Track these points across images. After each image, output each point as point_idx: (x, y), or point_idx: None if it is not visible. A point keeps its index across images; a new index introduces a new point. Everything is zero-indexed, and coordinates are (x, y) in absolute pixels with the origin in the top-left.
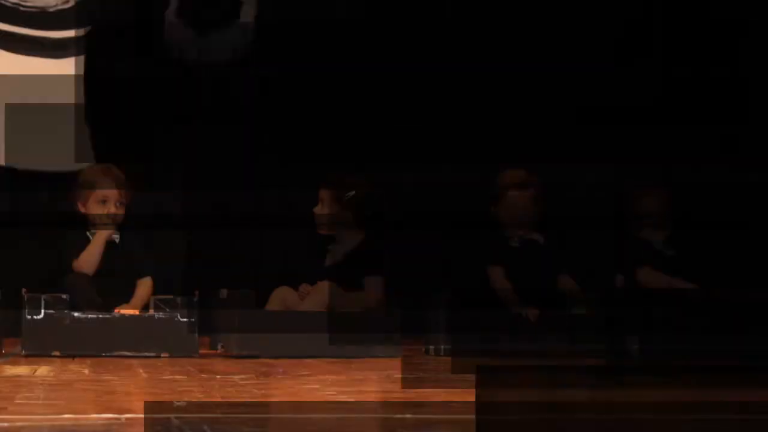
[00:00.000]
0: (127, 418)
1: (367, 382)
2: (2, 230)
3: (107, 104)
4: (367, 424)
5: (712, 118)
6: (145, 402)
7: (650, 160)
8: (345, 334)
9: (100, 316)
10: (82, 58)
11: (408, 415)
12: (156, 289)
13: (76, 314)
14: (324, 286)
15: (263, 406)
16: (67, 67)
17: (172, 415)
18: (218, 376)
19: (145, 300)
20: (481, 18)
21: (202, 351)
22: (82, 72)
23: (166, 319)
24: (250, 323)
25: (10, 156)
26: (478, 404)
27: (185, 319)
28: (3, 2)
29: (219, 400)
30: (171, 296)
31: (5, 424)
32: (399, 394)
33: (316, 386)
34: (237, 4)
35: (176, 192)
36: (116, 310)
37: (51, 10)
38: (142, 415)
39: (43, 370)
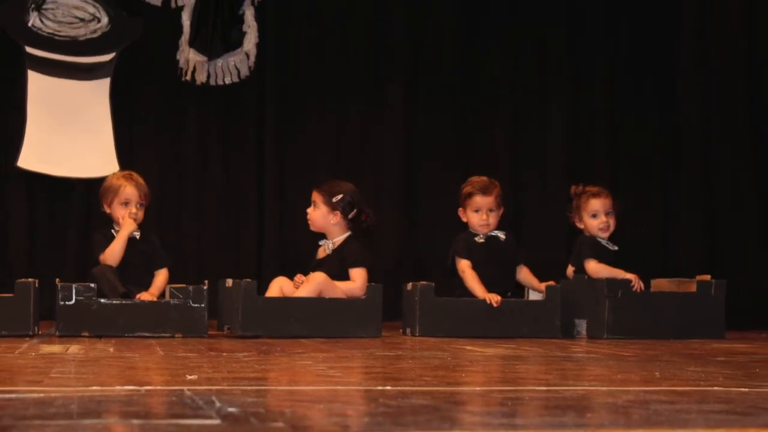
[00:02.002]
0: (146, 390)
1: (352, 358)
2: (38, 230)
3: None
4: (352, 394)
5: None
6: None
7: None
8: (333, 317)
9: (123, 302)
10: (108, 79)
11: (388, 387)
12: (171, 279)
13: (102, 300)
14: (316, 276)
15: (263, 379)
16: (97, 87)
17: (185, 387)
18: (224, 354)
19: (162, 288)
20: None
21: (210, 332)
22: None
23: (180, 305)
24: (252, 308)
25: (49, 165)
26: None
27: (196, 305)
28: (39, 33)
29: (225, 374)
30: (184, 285)
31: (42, 395)
32: (380, 368)
33: (309, 362)
34: (241, 35)
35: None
36: (137, 297)
37: (81, 39)
38: (159, 387)
39: (74, 349)
